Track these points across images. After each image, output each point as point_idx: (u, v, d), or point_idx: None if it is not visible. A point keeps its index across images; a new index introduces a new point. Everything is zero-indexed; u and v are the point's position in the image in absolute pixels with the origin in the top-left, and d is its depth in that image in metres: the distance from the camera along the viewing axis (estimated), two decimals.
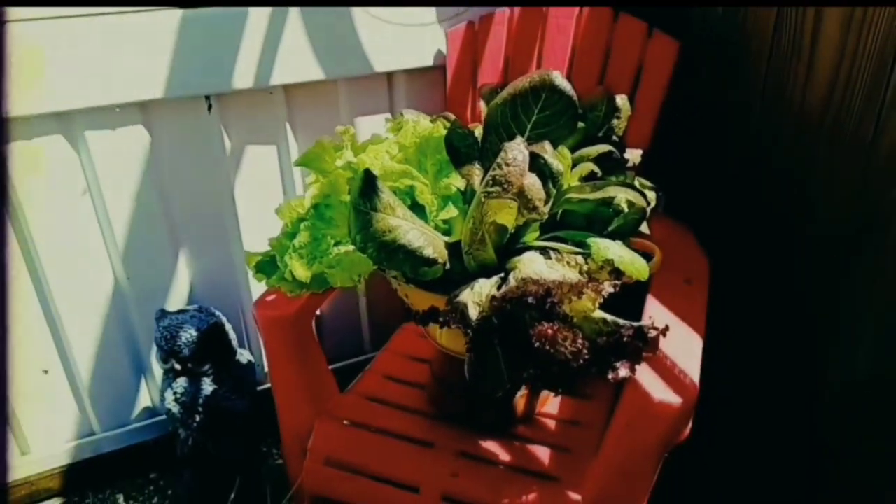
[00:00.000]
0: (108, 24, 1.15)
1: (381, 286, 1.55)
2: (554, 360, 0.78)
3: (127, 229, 1.33)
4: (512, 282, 0.83)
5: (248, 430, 1.38)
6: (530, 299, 0.77)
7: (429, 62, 1.43)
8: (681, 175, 1.30)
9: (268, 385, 1.60)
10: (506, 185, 0.82)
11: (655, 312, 1.00)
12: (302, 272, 0.88)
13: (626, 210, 0.95)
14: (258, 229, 1.45)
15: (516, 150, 0.82)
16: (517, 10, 1.36)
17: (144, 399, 1.51)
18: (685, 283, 1.09)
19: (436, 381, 1.20)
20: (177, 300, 1.42)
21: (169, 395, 1.31)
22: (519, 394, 1.15)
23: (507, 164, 0.81)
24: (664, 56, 1.26)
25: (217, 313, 1.36)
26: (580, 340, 0.77)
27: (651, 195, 1.07)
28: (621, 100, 1.10)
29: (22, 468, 1.44)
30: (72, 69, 1.15)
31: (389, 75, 1.44)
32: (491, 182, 0.82)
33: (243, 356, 1.42)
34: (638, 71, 1.29)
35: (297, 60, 1.31)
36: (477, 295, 0.85)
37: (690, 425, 0.93)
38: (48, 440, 1.45)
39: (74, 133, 1.22)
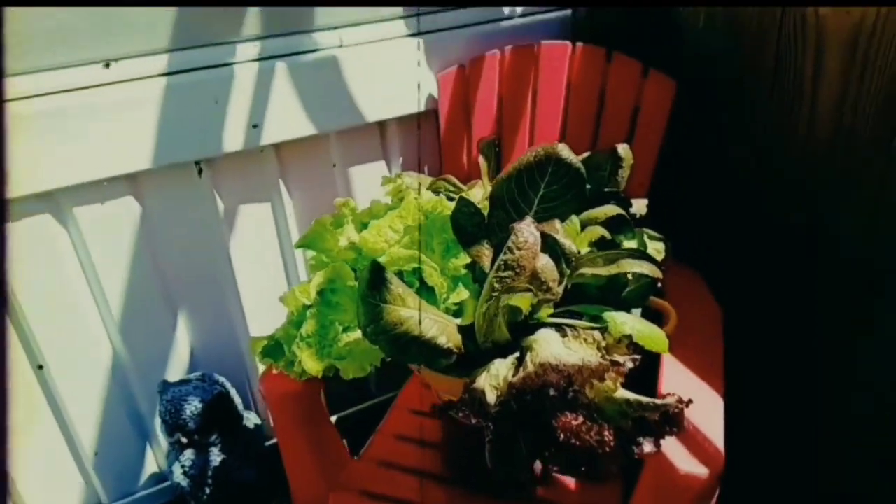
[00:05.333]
0: (88, 101, 1.11)
1: None
2: (578, 449, 0.76)
3: (122, 301, 1.29)
4: (530, 366, 0.81)
5: (257, 498, 1.36)
6: (552, 391, 0.75)
7: (420, 108, 1.40)
8: (683, 217, 1.28)
9: (275, 441, 1.58)
10: (518, 270, 0.80)
11: (673, 376, 0.99)
12: (312, 364, 0.85)
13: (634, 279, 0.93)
14: (256, 290, 1.42)
15: (527, 233, 0.80)
16: (507, 51, 1.33)
17: (151, 466, 1.48)
18: (700, 338, 1.07)
19: (449, 444, 1.17)
20: (178, 368, 1.39)
21: (177, 469, 1.29)
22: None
23: (519, 248, 0.79)
24: (661, 96, 1.24)
25: (221, 380, 1.33)
26: (606, 432, 0.75)
27: (660, 247, 1.06)
28: (623, 149, 1.07)
29: None
30: (56, 146, 1.11)
31: (381, 124, 1.41)
32: (503, 267, 0.80)
33: (250, 420, 1.39)
34: (634, 111, 1.27)
35: (287, 117, 1.28)
36: (494, 378, 0.83)
37: (717, 494, 0.91)
38: None
39: (62, 210, 1.18)
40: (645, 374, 0.87)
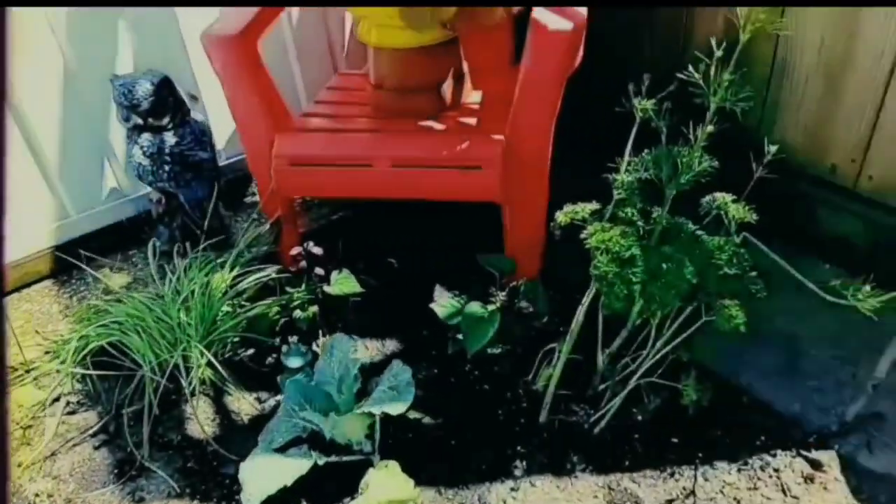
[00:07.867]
0: None
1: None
2: None
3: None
4: None
5: (212, 177, 1.54)
6: None
7: None
8: None
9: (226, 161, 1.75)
10: None
11: None
12: None
13: None
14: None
15: None
16: None
17: (111, 181, 1.64)
18: None
19: (374, 86, 1.38)
20: (126, 72, 1.53)
21: (136, 151, 1.45)
22: (446, 84, 1.34)
23: None
24: None
25: (165, 73, 1.48)
26: None
27: None
28: None
29: (9, 252, 1.56)
30: None
31: None
32: None
33: (198, 116, 1.55)
34: None
35: None
36: None
37: (582, 52, 1.15)
38: (29, 224, 1.56)
39: None
40: None
